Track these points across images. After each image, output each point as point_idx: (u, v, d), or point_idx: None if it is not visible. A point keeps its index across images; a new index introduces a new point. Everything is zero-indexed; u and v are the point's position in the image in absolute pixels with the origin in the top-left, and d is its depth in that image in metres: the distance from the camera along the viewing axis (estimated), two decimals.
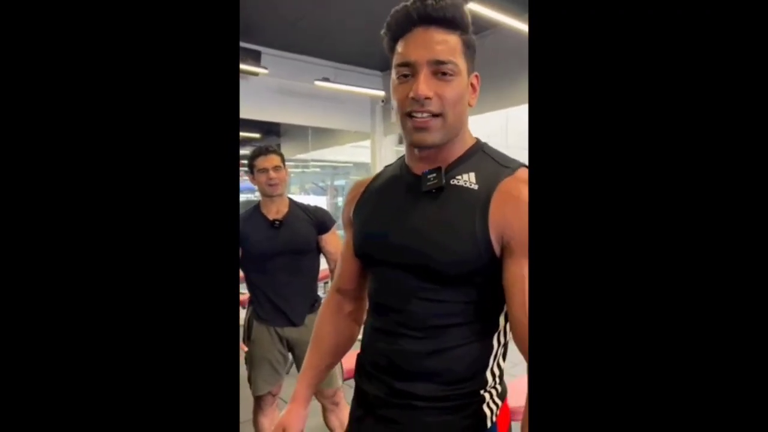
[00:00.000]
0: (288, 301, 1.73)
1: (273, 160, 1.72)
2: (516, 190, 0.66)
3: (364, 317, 0.85)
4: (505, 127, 6.02)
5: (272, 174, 1.71)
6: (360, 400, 0.80)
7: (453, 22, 0.67)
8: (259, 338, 1.75)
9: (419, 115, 0.66)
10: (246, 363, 1.78)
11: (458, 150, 0.72)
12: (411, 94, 0.65)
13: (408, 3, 0.67)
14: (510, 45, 3.75)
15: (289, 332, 1.75)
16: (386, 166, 0.85)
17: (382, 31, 0.71)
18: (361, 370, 0.80)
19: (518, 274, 0.64)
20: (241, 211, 1.83)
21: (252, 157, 1.74)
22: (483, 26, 4.00)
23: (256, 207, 1.81)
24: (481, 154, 0.73)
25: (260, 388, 1.75)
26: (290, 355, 1.81)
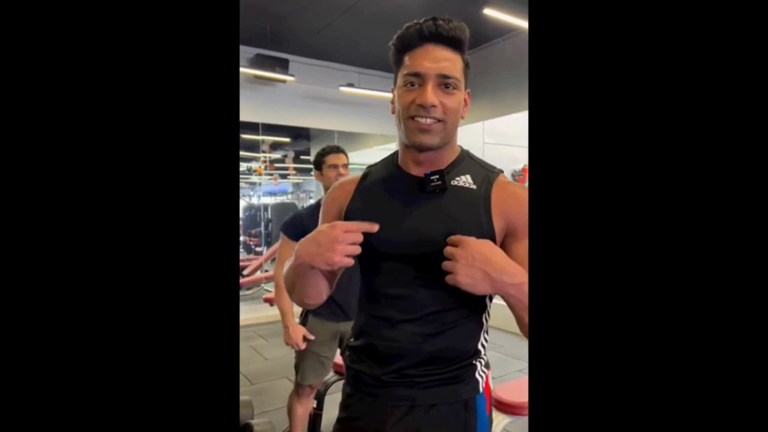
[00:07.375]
0: (346, 296, 1.74)
1: (342, 158, 1.86)
2: (511, 187, 0.80)
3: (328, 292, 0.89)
4: None
5: (342, 171, 1.83)
6: (358, 382, 0.85)
7: (458, 42, 0.76)
8: (312, 331, 1.84)
9: (423, 120, 0.75)
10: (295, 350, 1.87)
11: (451, 156, 0.83)
12: (418, 101, 0.74)
13: (420, 21, 0.76)
14: None
15: (344, 326, 1.84)
16: (370, 166, 0.92)
17: (391, 43, 0.80)
18: (358, 356, 0.85)
19: (525, 254, 0.75)
20: (276, 209, 1.91)
21: (322, 155, 1.86)
22: (505, 30, 4.03)
23: (318, 205, 1.90)
24: (469, 160, 0.84)
25: (306, 378, 1.85)
26: (338, 351, 1.89)
